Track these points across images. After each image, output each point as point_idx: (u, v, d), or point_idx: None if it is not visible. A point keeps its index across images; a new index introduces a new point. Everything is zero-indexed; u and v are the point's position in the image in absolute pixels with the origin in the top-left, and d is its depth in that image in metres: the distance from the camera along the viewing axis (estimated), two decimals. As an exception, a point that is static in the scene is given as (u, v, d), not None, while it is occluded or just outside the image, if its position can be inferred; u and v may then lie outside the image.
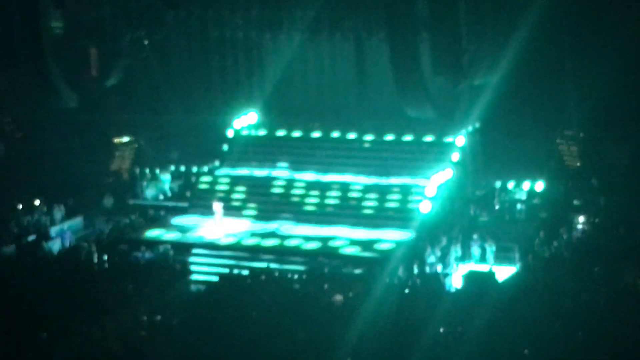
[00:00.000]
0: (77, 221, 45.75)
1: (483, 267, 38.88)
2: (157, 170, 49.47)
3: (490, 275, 36.82)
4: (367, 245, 41.09)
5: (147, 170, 49.66)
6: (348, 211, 44.41)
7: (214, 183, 47.64)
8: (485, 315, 30.29)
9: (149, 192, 48.37)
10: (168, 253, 40.88)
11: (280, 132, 49.86)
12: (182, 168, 49.39)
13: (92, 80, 52.34)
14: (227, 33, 49.04)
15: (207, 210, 45.41)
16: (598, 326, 29.01)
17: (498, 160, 47.58)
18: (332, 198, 45.17)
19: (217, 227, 43.94)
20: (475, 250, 39.82)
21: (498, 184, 44.88)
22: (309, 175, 46.70)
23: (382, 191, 44.81)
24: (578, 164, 48.15)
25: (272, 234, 43.08)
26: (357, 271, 38.34)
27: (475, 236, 40.16)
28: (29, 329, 31.41)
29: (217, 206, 44.40)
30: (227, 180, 47.61)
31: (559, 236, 39.67)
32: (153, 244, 42.11)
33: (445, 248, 39.38)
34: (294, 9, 47.02)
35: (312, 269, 38.44)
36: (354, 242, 41.46)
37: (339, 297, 33.94)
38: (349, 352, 28.41)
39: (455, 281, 37.29)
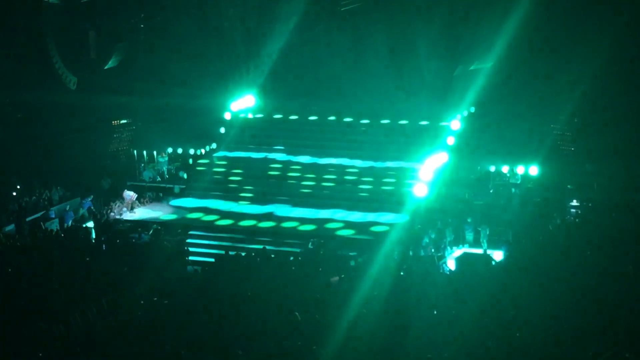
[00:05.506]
0: (75, 202, 46.04)
1: (477, 250, 39.26)
2: (155, 152, 49.72)
3: (484, 258, 37.13)
4: (362, 227, 41.39)
5: (145, 152, 49.91)
6: (344, 194, 44.69)
7: (211, 165, 47.87)
8: (479, 298, 30.65)
9: (146, 174, 48.64)
10: (159, 234, 41.06)
11: (277, 116, 50.11)
12: (180, 150, 49.67)
13: (91, 63, 52.48)
14: (226, 23, 49.23)
15: (204, 193, 45.82)
16: (590, 309, 29.36)
17: (493, 144, 47.91)
18: (328, 181, 45.43)
19: (129, 213, 44.59)
20: (470, 233, 40.18)
21: (492, 168, 45.09)
22: (305, 158, 46.95)
23: (378, 174, 45.08)
24: (572, 149, 48.47)
25: (268, 216, 43.42)
26: (353, 253, 38.69)
27: (469, 220, 40.50)
28: (27, 309, 31.69)
29: (129, 193, 44.99)
30: (224, 162, 47.84)
31: (552, 220, 39.97)
32: (149, 225, 42.45)
33: (440, 231, 39.73)
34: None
35: (308, 250, 38.74)
36: (349, 225, 41.78)
37: (335, 278, 34.31)
38: (343, 333, 28.73)
39: (450, 264, 37.64)
